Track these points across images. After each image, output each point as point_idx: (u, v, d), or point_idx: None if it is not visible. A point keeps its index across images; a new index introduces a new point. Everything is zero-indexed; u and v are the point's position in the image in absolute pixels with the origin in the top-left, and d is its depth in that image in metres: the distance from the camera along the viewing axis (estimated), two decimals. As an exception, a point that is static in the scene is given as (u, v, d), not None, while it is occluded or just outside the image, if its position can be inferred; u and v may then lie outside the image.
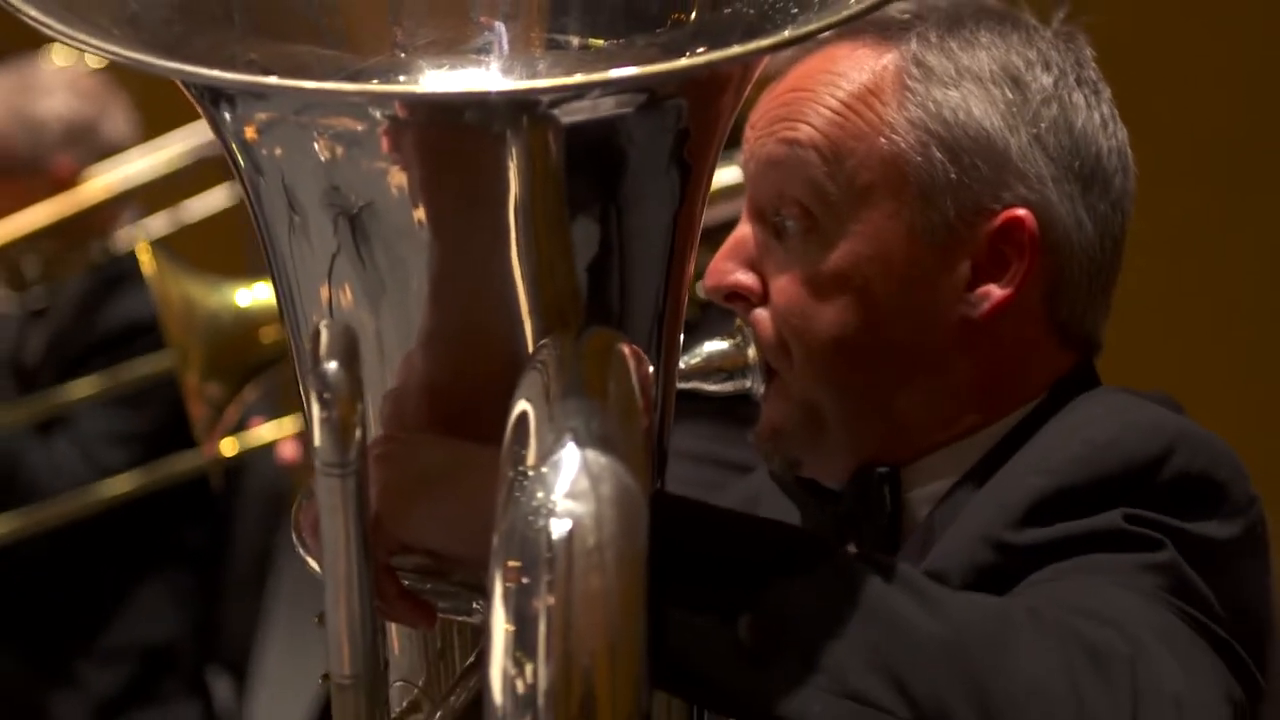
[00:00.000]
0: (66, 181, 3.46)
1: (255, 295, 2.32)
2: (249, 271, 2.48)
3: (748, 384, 1.52)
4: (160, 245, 3.42)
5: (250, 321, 2.30)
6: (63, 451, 3.37)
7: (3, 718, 3.47)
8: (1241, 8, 4.34)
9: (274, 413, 3.18)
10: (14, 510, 3.06)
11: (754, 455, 1.83)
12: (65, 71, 3.59)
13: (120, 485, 2.86)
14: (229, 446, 2.40)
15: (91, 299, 3.51)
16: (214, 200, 3.63)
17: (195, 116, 3.75)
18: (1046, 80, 1.47)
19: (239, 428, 2.48)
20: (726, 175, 1.69)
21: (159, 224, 3.53)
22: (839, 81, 1.47)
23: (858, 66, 1.47)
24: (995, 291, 1.46)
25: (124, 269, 3.50)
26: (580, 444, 1.09)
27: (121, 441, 3.36)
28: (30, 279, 3.52)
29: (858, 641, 1.15)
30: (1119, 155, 1.50)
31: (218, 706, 3.62)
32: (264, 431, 2.51)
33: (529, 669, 1.06)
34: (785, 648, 1.15)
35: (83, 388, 2.96)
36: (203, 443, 2.26)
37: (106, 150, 3.53)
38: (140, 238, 2.44)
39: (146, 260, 2.30)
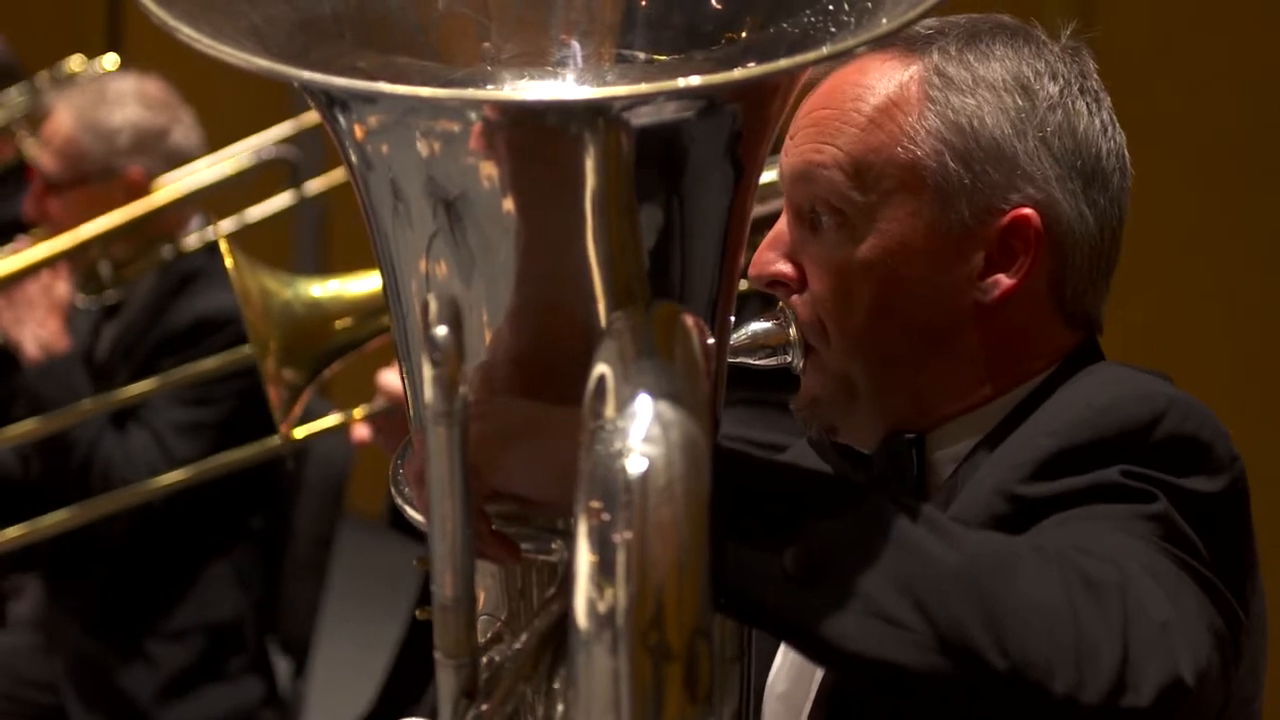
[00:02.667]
0: (137, 187, 3.63)
1: (327, 288, 2.48)
2: (299, 270, 2.64)
3: (789, 359, 1.70)
4: (214, 245, 3.62)
5: (322, 311, 2.45)
6: (137, 441, 3.52)
7: (77, 691, 3.62)
8: (1247, 15, 4.44)
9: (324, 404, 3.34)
10: (98, 494, 3.21)
11: (787, 436, 2.01)
12: (135, 84, 3.76)
13: (195, 470, 3.01)
14: (299, 432, 2.56)
15: (160, 298, 3.68)
16: (273, 205, 3.82)
17: (254, 130, 3.94)
18: (1053, 89, 1.65)
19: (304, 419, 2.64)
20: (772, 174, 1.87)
21: (221, 228, 3.70)
22: (865, 95, 1.64)
23: (885, 78, 1.65)
24: (1004, 280, 1.64)
25: (191, 269, 3.68)
26: (653, 398, 1.24)
27: (193, 432, 3.52)
28: (104, 280, 3.68)
29: (886, 570, 1.30)
30: (1117, 157, 1.68)
31: (278, 683, 3.75)
32: (333, 419, 2.67)
33: (609, 592, 1.21)
34: (824, 576, 1.29)
35: (161, 381, 3.13)
36: (279, 424, 2.41)
37: (174, 158, 3.71)
38: (217, 236, 2.60)
39: (226, 255, 2.46)
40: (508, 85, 1.50)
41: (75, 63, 4.87)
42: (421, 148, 1.39)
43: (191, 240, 3.71)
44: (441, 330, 1.29)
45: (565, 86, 1.50)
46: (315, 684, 3.86)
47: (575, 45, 1.53)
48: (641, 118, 1.37)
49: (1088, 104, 1.67)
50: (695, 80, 1.37)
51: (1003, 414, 1.65)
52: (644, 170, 1.38)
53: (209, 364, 3.02)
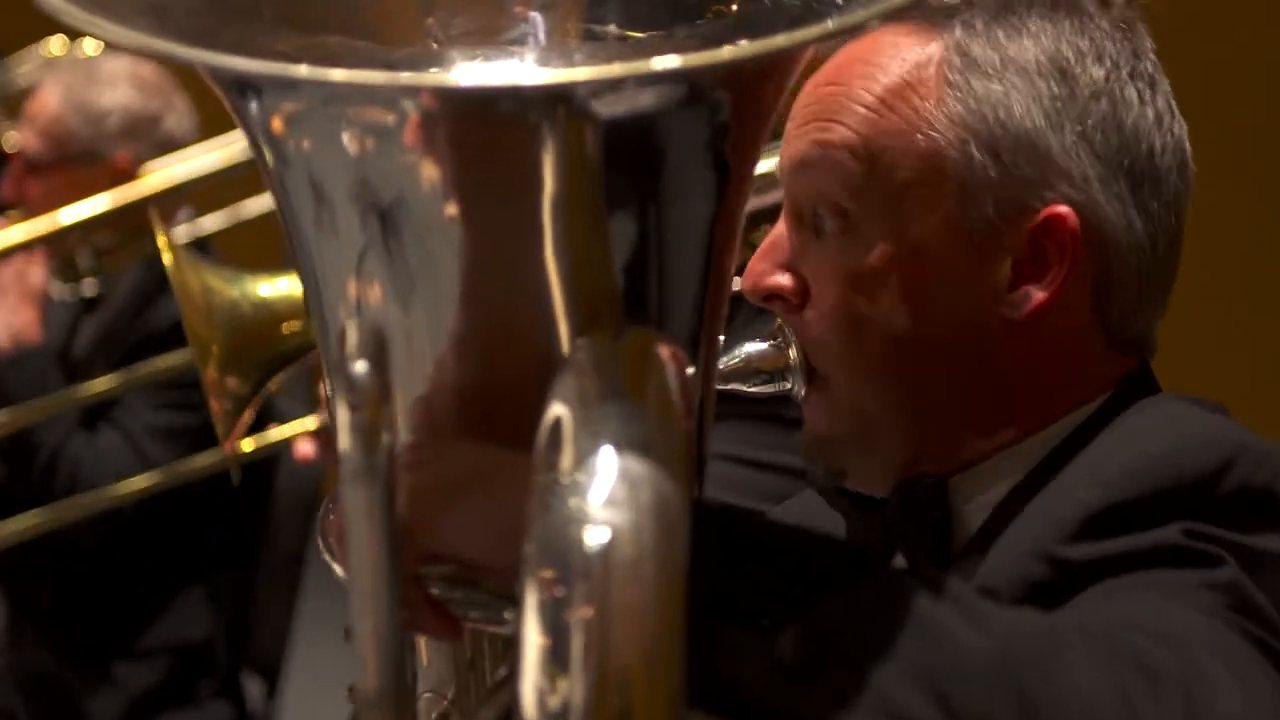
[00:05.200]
0: (124, 174, 3.43)
1: (277, 287, 2.27)
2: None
3: (788, 386, 1.48)
4: (203, 244, 3.44)
5: (272, 313, 2.25)
6: (109, 444, 3.36)
7: (38, 714, 3.47)
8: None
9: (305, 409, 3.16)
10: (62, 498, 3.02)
11: (785, 455, 1.80)
12: (129, 66, 3.58)
13: (138, 484, 2.82)
14: (248, 444, 2.35)
15: (144, 294, 3.51)
16: (269, 200, 3.61)
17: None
18: (1097, 73, 1.43)
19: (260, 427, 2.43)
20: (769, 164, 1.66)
21: (214, 222, 3.51)
22: (876, 74, 1.43)
23: (899, 57, 1.44)
24: (1036, 293, 1.43)
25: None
26: (618, 449, 1.04)
27: (168, 437, 3.36)
28: (83, 270, 3.50)
29: (902, 659, 1.10)
30: (1174, 153, 1.46)
31: (249, 707, 3.61)
32: (291, 428, 2.47)
33: (562, 685, 1.02)
34: (827, 665, 1.10)
35: (112, 382, 2.94)
36: (222, 437, 2.21)
37: (166, 146, 3.52)
38: (161, 231, 2.38)
39: (164, 250, 2.25)
40: (456, 68, 1.30)
41: (55, 45, 4.70)
42: (349, 144, 1.18)
43: (179, 233, 3.51)
44: (360, 366, 1.08)
45: (520, 69, 1.29)
46: (287, 708, 3.69)
47: (536, 19, 1.32)
48: (611, 106, 1.17)
49: (1139, 90, 1.45)
50: (675, 61, 1.16)
51: (1042, 454, 1.43)
52: (614, 169, 1.18)
53: (151, 367, 2.81)
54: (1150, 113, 1.45)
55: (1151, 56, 1.47)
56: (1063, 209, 1.42)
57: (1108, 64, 1.44)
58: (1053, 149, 1.42)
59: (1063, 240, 1.42)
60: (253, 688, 3.64)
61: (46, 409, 3.07)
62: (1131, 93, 1.44)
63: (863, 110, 1.43)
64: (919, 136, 1.42)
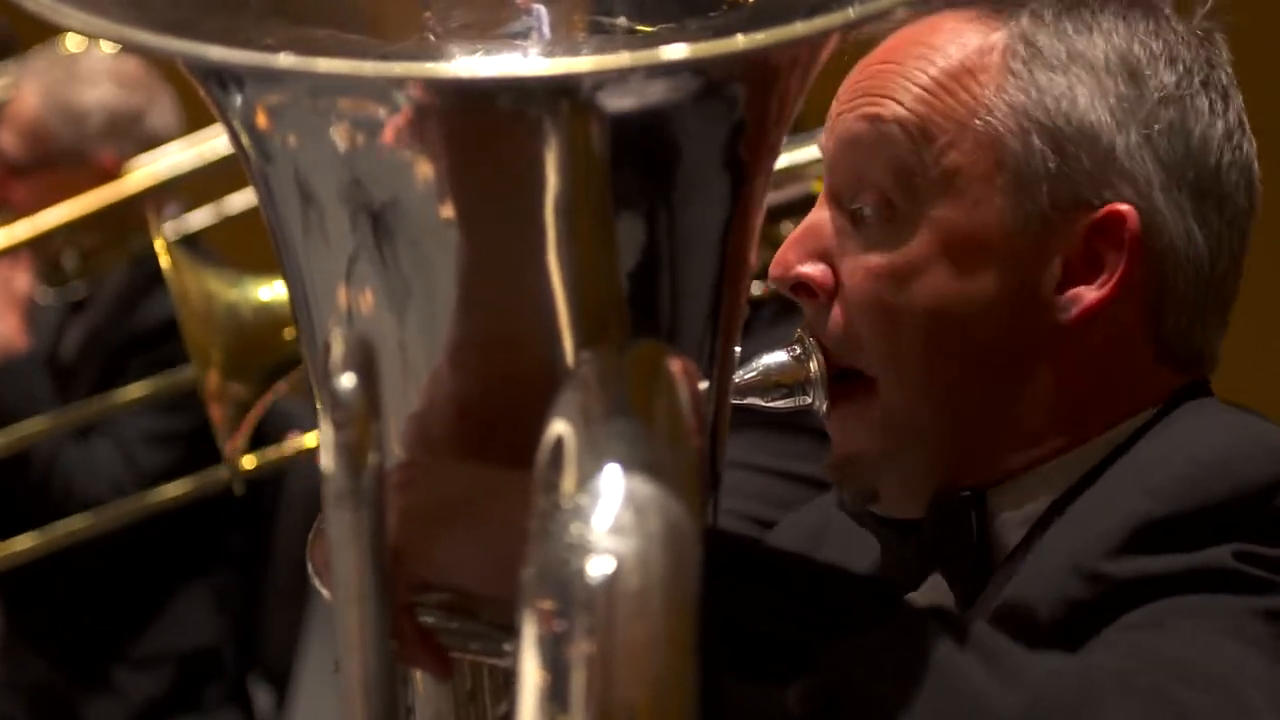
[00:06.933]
0: (109, 173, 3.36)
1: (277, 291, 2.20)
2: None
3: (809, 400, 1.41)
4: (193, 239, 3.37)
5: (273, 318, 2.18)
6: (101, 452, 3.30)
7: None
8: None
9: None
10: (50, 517, 2.97)
11: (800, 463, 1.72)
12: (110, 61, 3.51)
13: (147, 500, 2.77)
14: (250, 460, 2.28)
15: (131, 294, 3.45)
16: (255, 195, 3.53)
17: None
18: (1168, 78, 1.37)
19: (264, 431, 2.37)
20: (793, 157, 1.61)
21: (202, 217, 3.45)
22: (933, 56, 1.38)
23: (959, 41, 1.38)
24: (1087, 294, 1.36)
25: (164, 264, 3.43)
26: (624, 471, 0.98)
27: (161, 442, 3.29)
28: (69, 272, 3.44)
29: (920, 712, 1.04)
30: (1241, 170, 1.39)
31: (259, 715, 3.55)
32: (298, 444, 2.40)
33: None
34: (839, 719, 1.03)
35: (121, 396, 2.89)
36: (224, 446, 2.15)
37: (150, 142, 3.44)
38: (158, 233, 2.31)
39: (163, 254, 2.18)
40: (455, 61, 1.23)
41: (72, 41, 4.65)
42: (338, 141, 1.12)
43: (167, 230, 3.44)
44: (346, 380, 1.01)
45: (521, 60, 1.22)
46: (297, 715, 3.63)
47: (539, 11, 1.26)
48: (619, 101, 1.10)
49: (1211, 101, 1.38)
50: (686, 51, 1.09)
51: (1086, 466, 1.36)
52: (622, 168, 1.12)
53: (142, 386, 2.75)
54: (1220, 125, 1.39)
55: (1227, 69, 1.41)
56: (1123, 207, 1.36)
57: (1180, 70, 1.38)
58: (1116, 148, 1.36)
59: (1119, 240, 1.36)
60: (263, 697, 3.58)
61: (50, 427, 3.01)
62: (1203, 102, 1.38)
63: (918, 89, 1.37)
64: (977, 122, 1.36)
